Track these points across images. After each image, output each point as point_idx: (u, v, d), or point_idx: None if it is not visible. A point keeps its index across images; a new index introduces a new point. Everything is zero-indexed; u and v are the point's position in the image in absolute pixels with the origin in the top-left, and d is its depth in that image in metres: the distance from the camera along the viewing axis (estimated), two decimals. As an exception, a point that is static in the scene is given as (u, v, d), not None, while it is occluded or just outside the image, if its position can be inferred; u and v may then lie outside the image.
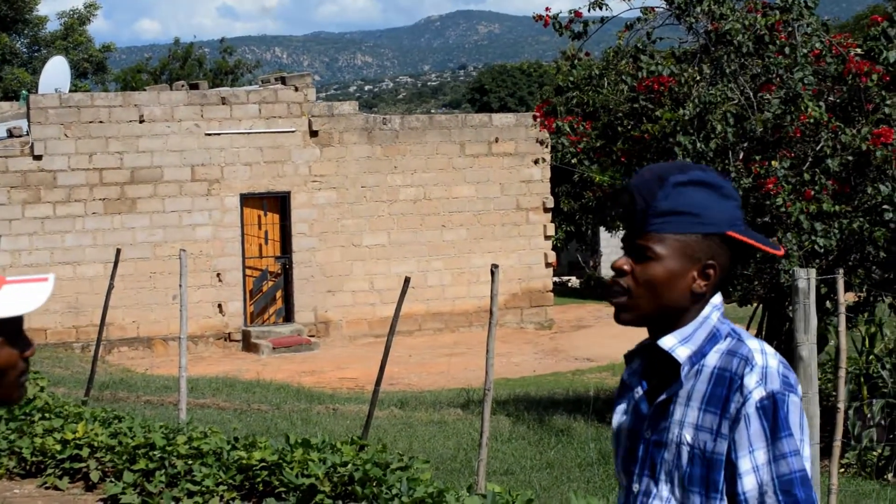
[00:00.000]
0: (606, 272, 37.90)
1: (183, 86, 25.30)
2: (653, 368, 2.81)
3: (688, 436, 2.67)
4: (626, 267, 2.73)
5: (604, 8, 14.07)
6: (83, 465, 9.63)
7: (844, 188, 13.12)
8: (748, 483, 2.61)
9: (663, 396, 2.72)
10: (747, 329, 10.91)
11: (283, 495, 8.29)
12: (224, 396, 17.19)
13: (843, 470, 11.99)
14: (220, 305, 24.79)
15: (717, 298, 2.76)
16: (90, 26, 49.72)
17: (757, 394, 2.60)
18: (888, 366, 12.95)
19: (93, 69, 48.16)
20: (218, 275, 24.71)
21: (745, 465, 2.61)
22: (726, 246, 2.71)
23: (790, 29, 13.51)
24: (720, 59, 13.59)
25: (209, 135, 24.53)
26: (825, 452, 8.92)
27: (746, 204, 12.85)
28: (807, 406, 6.92)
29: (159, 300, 24.08)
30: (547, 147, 17.54)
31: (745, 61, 13.60)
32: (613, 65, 14.75)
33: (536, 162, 25.58)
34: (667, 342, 2.71)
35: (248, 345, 24.65)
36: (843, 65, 12.99)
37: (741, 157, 13.40)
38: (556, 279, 31.34)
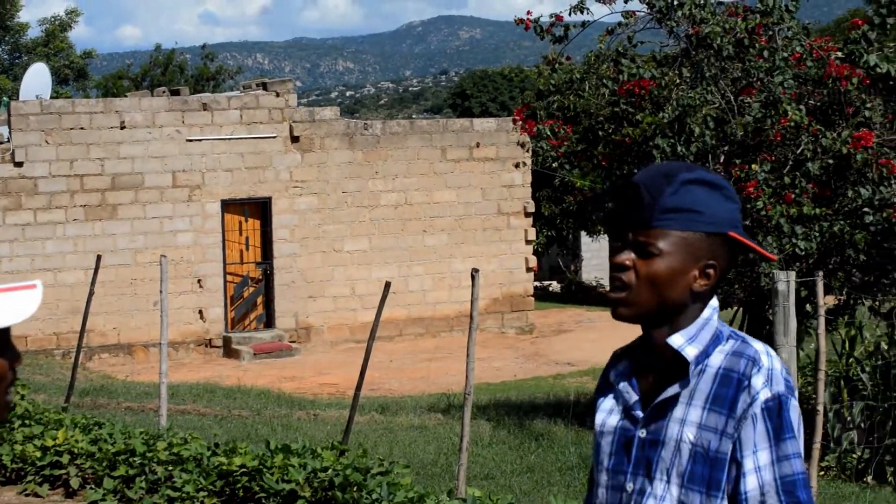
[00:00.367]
0: (587, 277, 37.94)
1: (164, 92, 25.29)
2: (645, 368, 2.80)
3: (690, 434, 2.67)
4: (627, 262, 2.71)
5: (585, 12, 14.11)
6: (63, 471, 9.61)
7: (825, 191, 13.16)
8: (750, 483, 2.62)
9: (668, 394, 2.71)
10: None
11: (264, 501, 8.27)
12: (205, 402, 17.16)
13: (822, 472, 12.01)
14: (200, 311, 24.74)
15: (715, 301, 2.78)
16: (71, 33, 49.80)
17: (763, 395, 2.61)
18: (868, 368, 12.97)
19: (74, 76, 48.16)
20: (199, 281, 24.66)
21: (748, 464, 2.62)
22: (726, 247, 2.72)
23: (771, 33, 13.55)
24: (701, 63, 13.62)
25: (190, 141, 24.48)
26: (804, 455, 8.92)
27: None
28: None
29: (140, 307, 24.01)
30: (528, 150, 17.54)
31: (726, 65, 13.63)
32: (594, 69, 14.78)
33: (517, 166, 25.60)
34: (676, 340, 2.70)
35: (229, 351, 24.59)
36: (824, 68, 13.02)
37: (721, 160, 13.42)
38: (537, 284, 31.34)
